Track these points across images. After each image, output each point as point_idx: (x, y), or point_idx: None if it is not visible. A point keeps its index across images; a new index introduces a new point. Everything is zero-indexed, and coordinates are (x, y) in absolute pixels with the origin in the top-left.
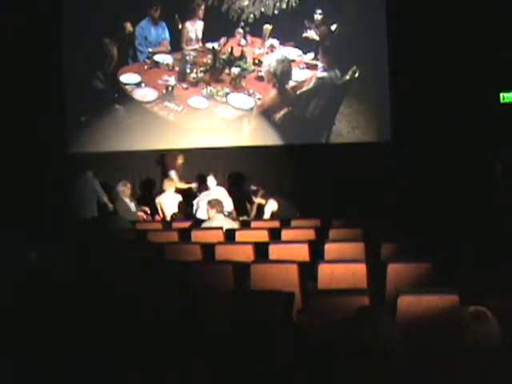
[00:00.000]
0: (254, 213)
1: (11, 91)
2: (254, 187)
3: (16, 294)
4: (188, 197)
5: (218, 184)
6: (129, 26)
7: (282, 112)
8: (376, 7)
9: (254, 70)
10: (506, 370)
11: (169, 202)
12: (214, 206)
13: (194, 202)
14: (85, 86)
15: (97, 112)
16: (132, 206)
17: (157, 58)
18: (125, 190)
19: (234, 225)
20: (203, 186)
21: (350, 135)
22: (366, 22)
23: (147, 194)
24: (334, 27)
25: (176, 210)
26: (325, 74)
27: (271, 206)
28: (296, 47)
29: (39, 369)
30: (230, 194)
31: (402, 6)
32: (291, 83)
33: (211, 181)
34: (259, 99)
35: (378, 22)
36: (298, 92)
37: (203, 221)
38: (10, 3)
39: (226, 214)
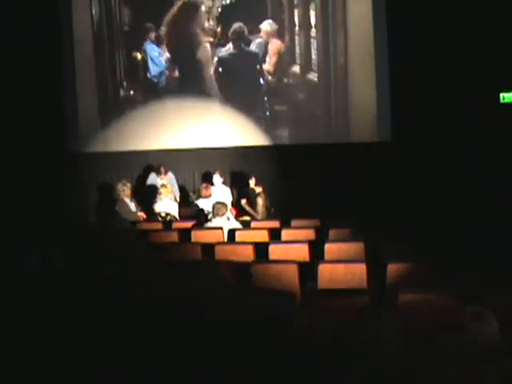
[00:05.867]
0: (257, 212)
1: (11, 91)
2: (251, 181)
3: (17, 295)
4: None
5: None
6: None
7: (282, 112)
8: (376, 7)
9: None
10: (506, 370)
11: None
12: (219, 208)
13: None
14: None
15: (97, 112)
16: (132, 205)
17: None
18: (125, 189)
19: (239, 226)
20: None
21: (349, 135)
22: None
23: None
24: None
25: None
26: (325, 74)
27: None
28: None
29: (40, 369)
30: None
31: (402, 5)
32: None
33: (217, 179)
34: None
35: (378, 21)
36: (298, 92)
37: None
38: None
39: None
